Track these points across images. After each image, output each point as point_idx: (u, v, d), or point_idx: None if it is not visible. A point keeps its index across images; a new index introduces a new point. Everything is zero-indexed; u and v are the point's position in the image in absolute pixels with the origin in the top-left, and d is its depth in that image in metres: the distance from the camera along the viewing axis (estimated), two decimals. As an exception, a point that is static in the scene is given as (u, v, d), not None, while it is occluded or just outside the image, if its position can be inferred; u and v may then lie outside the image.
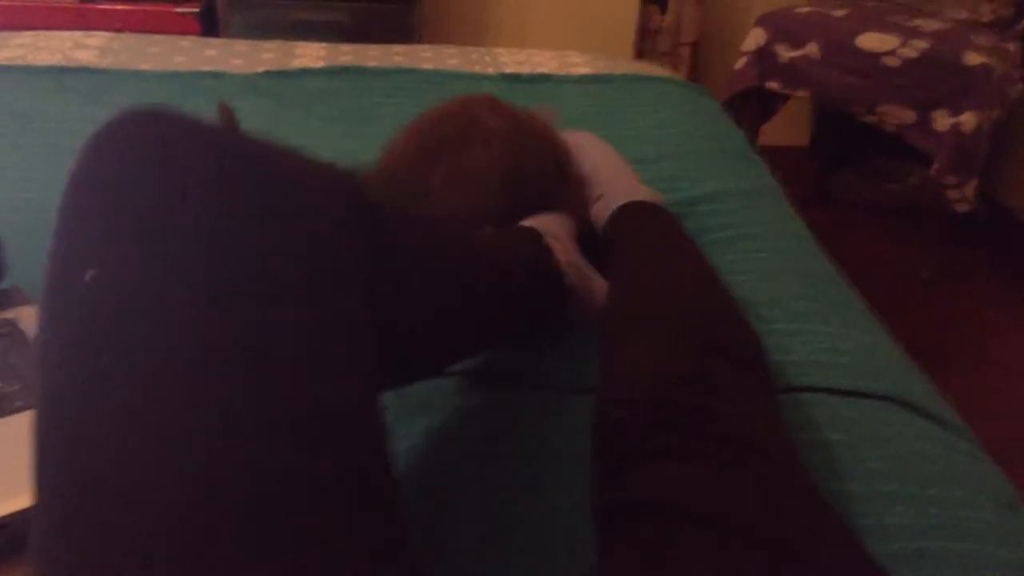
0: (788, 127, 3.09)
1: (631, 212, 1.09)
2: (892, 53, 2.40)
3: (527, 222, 1.02)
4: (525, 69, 1.87)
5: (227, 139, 0.52)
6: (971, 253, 2.76)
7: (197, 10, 2.65)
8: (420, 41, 2.74)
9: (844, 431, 0.90)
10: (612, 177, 1.17)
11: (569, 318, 1.02)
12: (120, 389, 0.44)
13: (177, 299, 0.45)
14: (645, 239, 1.05)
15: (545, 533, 0.77)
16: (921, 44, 2.38)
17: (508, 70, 1.85)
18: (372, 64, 1.82)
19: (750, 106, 2.73)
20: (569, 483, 0.81)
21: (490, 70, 1.85)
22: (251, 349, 0.46)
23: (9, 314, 0.90)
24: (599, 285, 1.02)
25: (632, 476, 0.67)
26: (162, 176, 0.48)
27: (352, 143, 1.42)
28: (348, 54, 1.88)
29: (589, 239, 1.10)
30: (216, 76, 1.69)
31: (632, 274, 0.98)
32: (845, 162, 3.08)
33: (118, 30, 2.01)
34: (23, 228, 1.11)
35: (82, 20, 2.62)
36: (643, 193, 1.12)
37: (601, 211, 1.12)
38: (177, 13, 2.66)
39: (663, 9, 3.09)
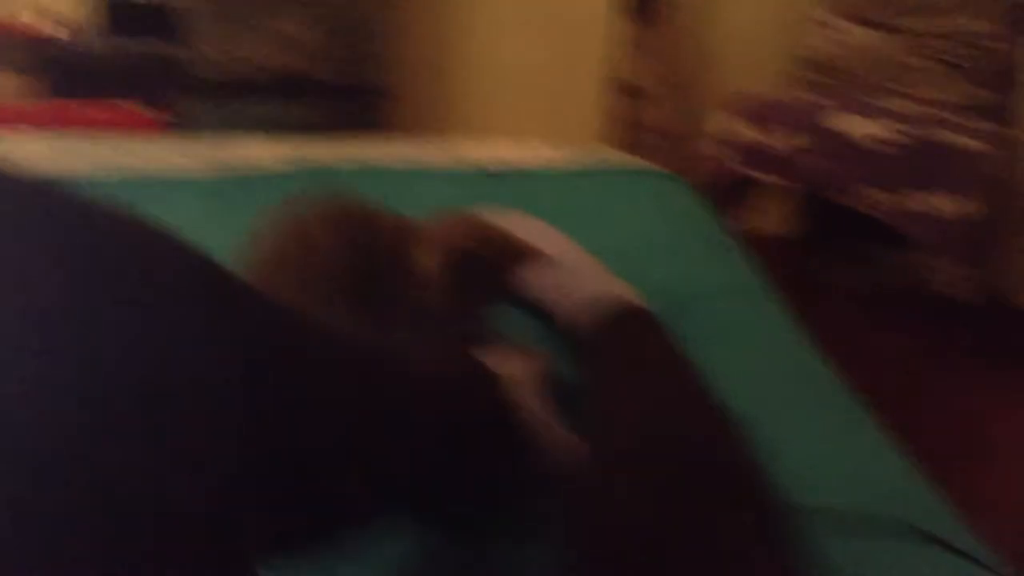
0: (775, 214, 3.06)
1: (619, 322, 1.00)
2: (871, 136, 2.37)
3: (487, 360, 0.87)
4: (495, 161, 1.81)
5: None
6: (964, 338, 2.69)
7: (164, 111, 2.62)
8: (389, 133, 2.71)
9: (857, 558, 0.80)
10: (583, 268, 1.09)
11: (520, 477, 0.84)
12: None
13: None
14: (630, 355, 0.95)
15: None
16: (901, 127, 2.36)
17: (474, 162, 1.79)
18: (335, 161, 1.76)
19: (724, 193, 2.69)
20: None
21: (459, 163, 1.79)
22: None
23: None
24: (562, 441, 0.85)
25: None
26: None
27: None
28: (302, 147, 1.82)
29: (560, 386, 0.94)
30: (167, 184, 1.61)
31: (612, 404, 0.87)
32: (830, 249, 3.04)
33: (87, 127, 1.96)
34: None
35: (57, 119, 2.58)
36: (621, 289, 1.04)
37: (577, 309, 1.03)
38: (145, 114, 2.62)
39: (633, 96, 3.07)
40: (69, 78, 2.83)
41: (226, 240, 1.24)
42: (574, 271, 1.10)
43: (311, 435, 0.55)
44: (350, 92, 2.77)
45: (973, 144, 2.30)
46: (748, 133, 2.59)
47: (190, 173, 1.68)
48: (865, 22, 2.78)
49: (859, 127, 2.39)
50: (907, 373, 2.49)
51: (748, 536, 0.68)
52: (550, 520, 0.75)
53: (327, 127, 2.57)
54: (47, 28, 2.94)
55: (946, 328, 2.63)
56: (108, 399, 0.38)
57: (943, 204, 2.27)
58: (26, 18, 2.98)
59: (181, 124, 2.69)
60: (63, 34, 2.93)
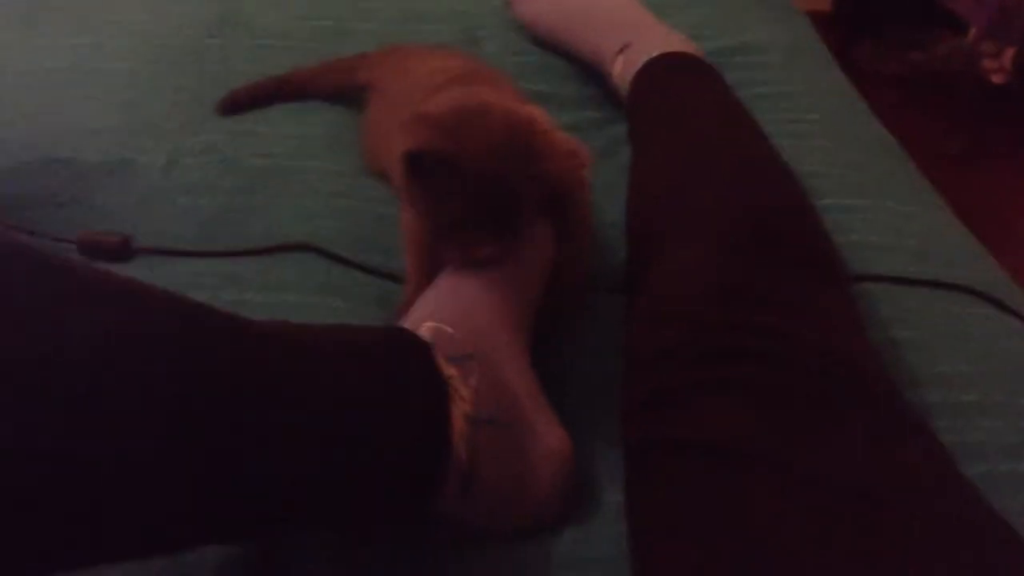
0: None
1: (666, 67, 0.89)
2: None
3: (427, 324, 0.60)
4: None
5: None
6: (1003, 129, 2.58)
7: None
8: None
9: (915, 328, 0.75)
10: (637, 21, 0.98)
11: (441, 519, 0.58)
12: None
13: None
14: (685, 103, 0.85)
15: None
16: None
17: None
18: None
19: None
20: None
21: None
22: None
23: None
24: (542, 450, 0.60)
25: (680, 410, 0.54)
26: None
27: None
28: None
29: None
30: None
31: (669, 150, 0.79)
32: (868, 30, 2.87)
33: None
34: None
35: None
36: (677, 42, 0.93)
37: (628, 65, 0.93)
38: None
39: None
40: None
41: None
42: (621, 19, 0.99)
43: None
44: None
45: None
46: None
47: None
48: None
49: None
50: (944, 161, 2.40)
51: (814, 289, 0.62)
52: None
53: None
54: None
55: (991, 117, 2.52)
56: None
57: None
58: None
59: None
60: None
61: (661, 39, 0.93)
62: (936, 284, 0.79)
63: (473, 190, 0.61)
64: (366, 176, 0.88)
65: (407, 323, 0.61)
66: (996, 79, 2.20)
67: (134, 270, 0.77)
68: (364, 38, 1.06)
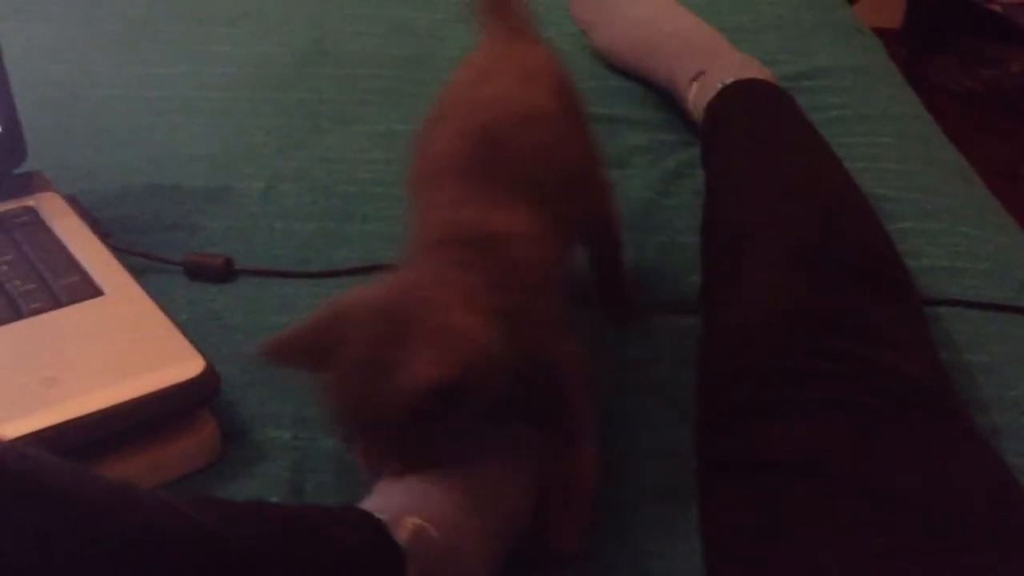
0: (879, 6, 2.85)
1: (741, 93, 0.92)
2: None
3: (411, 523, 0.51)
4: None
5: None
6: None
7: None
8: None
9: (988, 352, 0.77)
10: (712, 48, 1.01)
11: None
12: None
13: None
14: (760, 127, 0.88)
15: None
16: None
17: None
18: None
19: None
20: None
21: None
22: None
23: (29, 201, 0.79)
24: None
25: (756, 429, 0.56)
26: None
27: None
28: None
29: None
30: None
31: (744, 173, 0.81)
32: (940, 46, 2.85)
33: None
34: (48, 105, 1.01)
35: None
36: (751, 69, 0.96)
37: (703, 91, 0.96)
38: None
39: None
40: None
41: None
42: (696, 47, 1.02)
43: None
44: None
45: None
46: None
47: None
48: None
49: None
50: (1018, 182, 2.37)
51: (888, 311, 0.65)
52: None
53: None
54: None
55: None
56: None
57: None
58: None
59: None
60: None
61: (736, 66, 0.96)
62: (1010, 308, 0.81)
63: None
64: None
65: (385, 501, 0.52)
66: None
67: (236, 290, 0.81)
68: (442, 64, 1.10)
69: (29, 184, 0.81)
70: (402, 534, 0.49)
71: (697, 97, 0.96)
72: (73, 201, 0.81)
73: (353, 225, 0.89)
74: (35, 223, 0.76)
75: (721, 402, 0.60)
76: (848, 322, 0.61)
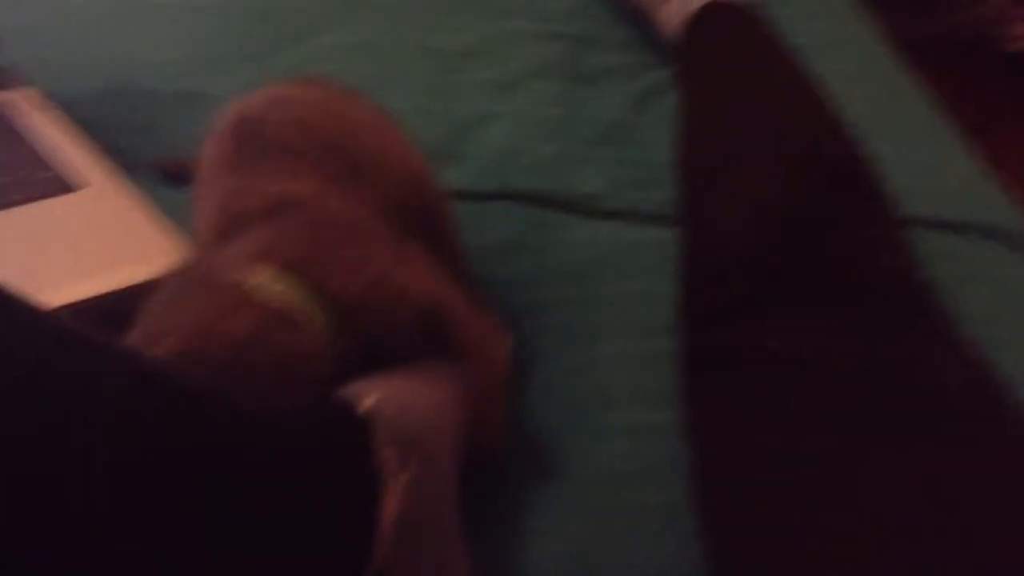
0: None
1: (719, 12, 0.94)
2: None
3: (373, 395, 0.51)
4: None
5: None
6: (1013, 99, 2.59)
7: None
8: None
9: (951, 268, 0.79)
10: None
11: None
12: None
13: None
14: (739, 45, 0.89)
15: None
16: None
17: None
18: None
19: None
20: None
21: None
22: None
23: (3, 96, 0.77)
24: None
25: (744, 321, 0.58)
26: None
27: None
28: None
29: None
30: None
31: (722, 89, 0.83)
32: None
33: None
34: (21, 4, 0.98)
35: None
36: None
37: (675, 11, 0.97)
38: None
39: None
40: None
41: None
42: None
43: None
44: None
45: None
46: None
47: None
48: None
49: None
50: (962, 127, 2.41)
51: (867, 221, 0.67)
52: None
53: None
54: None
55: (1002, 87, 2.52)
56: None
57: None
58: None
59: None
60: None
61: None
62: (972, 227, 0.83)
63: None
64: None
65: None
66: (1013, 47, 2.21)
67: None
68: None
69: (3, 79, 0.80)
70: (366, 403, 0.49)
71: (671, 16, 0.97)
72: (48, 97, 0.80)
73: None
74: (11, 117, 0.75)
75: (707, 299, 0.62)
76: (830, 221, 0.63)
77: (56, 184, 0.69)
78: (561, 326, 0.73)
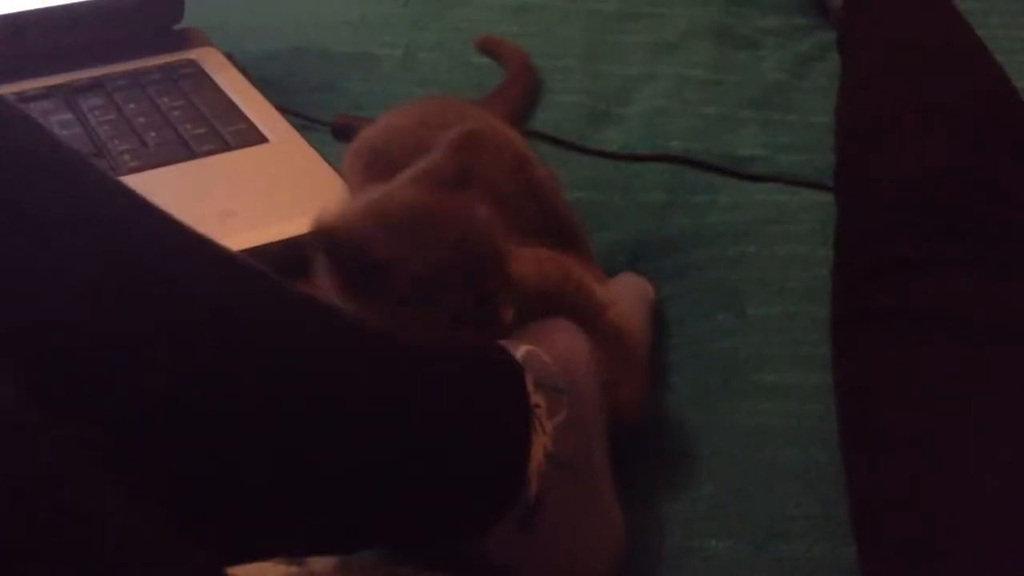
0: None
1: None
2: None
3: (524, 346, 0.54)
4: None
5: None
6: None
7: None
8: None
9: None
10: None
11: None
12: None
13: None
14: (900, 9, 0.87)
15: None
16: None
17: None
18: None
19: None
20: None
21: None
22: None
23: (191, 54, 0.84)
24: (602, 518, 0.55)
25: (901, 280, 0.58)
26: None
27: None
28: None
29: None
30: None
31: (888, 51, 0.82)
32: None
33: None
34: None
35: None
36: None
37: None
38: None
39: None
40: None
41: None
42: None
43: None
44: None
45: None
46: None
47: None
48: None
49: None
50: None
51: None
52: None
53: None
54: None
55: None
56: None
57: None
58: None
59: None
60: None
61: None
62: None
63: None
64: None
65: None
66: None
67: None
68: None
69: (188, 39, 0.86)
70: (519, 354, 0.53)
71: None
72: (230, 56, 0.85)
73: (486, 93, 0.92)
74: (199, 74, 0.81)
75: (865, 259, 0.62)
76: (991, 184, 0.62)
77: (251, 134, 0.74)
78: (714, 287, 0.74)
